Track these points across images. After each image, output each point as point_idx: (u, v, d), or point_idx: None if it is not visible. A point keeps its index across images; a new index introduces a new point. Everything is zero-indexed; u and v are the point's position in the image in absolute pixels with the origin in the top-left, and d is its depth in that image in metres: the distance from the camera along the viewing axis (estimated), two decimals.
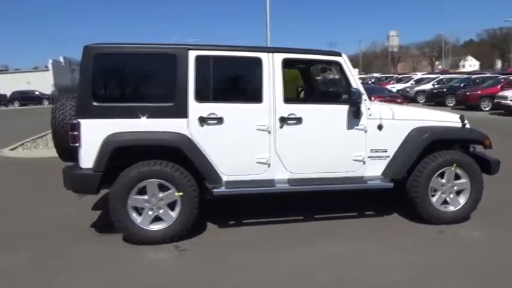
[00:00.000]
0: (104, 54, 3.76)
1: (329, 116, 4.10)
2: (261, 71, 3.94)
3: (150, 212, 3.82)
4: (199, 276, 3.27)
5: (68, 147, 3.99)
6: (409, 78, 29.17)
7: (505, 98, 16.28)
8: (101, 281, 3.22)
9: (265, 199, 4.60)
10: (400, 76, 34.64)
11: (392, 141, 4.24)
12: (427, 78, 26.58)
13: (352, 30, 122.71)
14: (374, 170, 4.26)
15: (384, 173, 4.27)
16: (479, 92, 18.47)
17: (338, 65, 4.13)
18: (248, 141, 3.95)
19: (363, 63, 74.34)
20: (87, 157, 3.73)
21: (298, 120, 3.99)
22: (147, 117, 3.76)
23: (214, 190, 3.87)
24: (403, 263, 3.46)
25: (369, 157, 4.21)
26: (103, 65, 3.74)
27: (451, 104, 20.01)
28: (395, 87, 25.29)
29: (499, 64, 61.26)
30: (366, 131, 4.15)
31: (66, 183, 3.86)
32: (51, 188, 6.14)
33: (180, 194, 3.78)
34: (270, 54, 3.96)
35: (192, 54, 3.82)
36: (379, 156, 4.25)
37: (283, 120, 3.97)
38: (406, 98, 21.82)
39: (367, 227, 4.29)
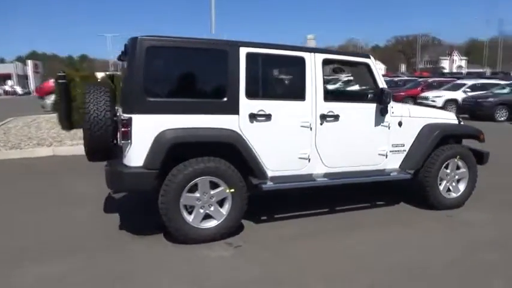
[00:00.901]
0: (157, 47, 3.61)
1: (361, 113, 4.41)
2: (304, 70, 4.10)
3: (201, 210, 3.77)
4: (271, 270, 3.33)
5: (102, 145, 3.78)
6: None
7: (426, 98, 18.39)
8: (185, 280, 3.15)
9: (280, 194, 4.73)
10: None
11: (408, 137, 4.70)
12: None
13: (272, 33, 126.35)
14: (393, 163, 4.68)
15: (401, 166, 4.71)
16: (402, 94, 20.46)
17: (367, 66, 4.46)
18: (292, 138, 4.09)
19: None
20: (138, 155, 3.58)
21: (336, 118, 4.23)
22: (200, 113, 3.71)
23: (263, 186, 3.94)
24: (443, 243, 3.90)
25: (390, 151, 4.62)
26: (155, 59, 3.60)
27: None
28: None
29: (403, 68, 68.14)
30: (389, 127, 4.55)
31: (114, 183, 3.64)
32: (40, 191, 5.65)
33: (232, 190, 3.79)
34: (312, 54, 4.15)
35: (243, 51, 3.84)
36: (398, 150, 4.67)
37: (323, 117, 4.18)
38: None
39: (390, 216, 4.68)
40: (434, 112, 5.22)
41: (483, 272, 3.33)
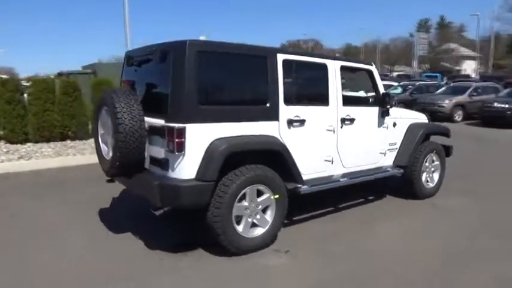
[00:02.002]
0: (206, 52, 3.44)
1: (369, 116, 4.78)
2: (327, 76, 4.31)
3: (249, 219, 3.71)
4: (339, 270, 3.46)
5: (137, 158, 3.49)
6: None
7: None
8: None
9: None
10: None
11: (399, 136, 5.24)
12: None
13: (162, 34, 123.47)
14: (389, 160, 5.16)
15: (394, 162, 5.22)
16: None
17: (370, 72, 4.85)
18: (320, 141, 4.26)
19: None
20: (191, 166, 3.38)
21: (352, 121, 4.53)
22: (246, 121, 3.65)
23: (302, 189, 4.04)
24: (447, 225, 4.50)
25: (387, 150, 5.09)
26: (204, 64, 3.41)
27: None
28: None
29: None
30: (387, 128, 5.02)
31: (168, 199, 3.34)
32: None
33: (276, 197, 3.80)
34: (333, 61, 4.37)
35: (280, 58, 3.88)
36: (392, 149, 5.17)
37: (343, 121, 4.44)
38: None
39: (389, 208, 5.15)
40: (413, 113, 5.87)
41: (483, 238, 3.96)
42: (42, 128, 8.53)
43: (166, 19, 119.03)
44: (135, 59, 4.08)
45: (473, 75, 34.74)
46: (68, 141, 8.93)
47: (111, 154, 3.71)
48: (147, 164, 3.74)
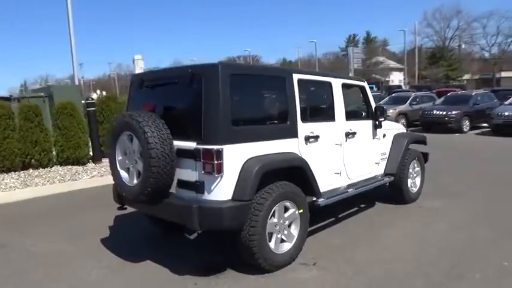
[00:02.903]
0: (236, 74, 3.52)
1: (366, 129, 5.10)
2: (332, 93, 4.56)
3: (279, 235, 3.79)
4: (372, 277, 3.64)
5: (167, 183, 3.46)
6: None
7: None
8: None
9: None
10: None
11: (387, 146, 5.63)
12: None
13: (100, 51, 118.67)
14: (380, 169, 5.52)
15: (385, 171, 5.59)
16: None
17: (363, 88, 5.19)
18: (331, 155, 4.47)
19: (117, 85, 73.18)
20: (228, 187, 3.41)
21: (353, 135, 4.81)
22: (271, 139, 3.75)
23: (320, 202, 4.20)
24: (442, 224, 4.89)
25: (380, 159, 5.45)
26: (236, 86, 3.48)
27: None
28: None
29: None
30: (379, 139, 5.38)
31: (207, 221, 3.32)
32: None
33: (301, 211, 3.93)
34: (335, 79, 4.63)
35: (295, 77, 4.06)
36: (383, 158, 5.54)
37: (347, 135, 4.70)
38: None
39: (385, 214, 5.48)
40: (394, 124, 6.32)
41: (476, 231, 4.41)
42: (2, 158, 7.86)
43: (97, 38, 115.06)
44: (151, 82, 4.02)
45: (404, 87, 37.57)
46: (31, 170, 8.33)
47: (136, 180, 3.61)
48: (173, 188, 3.68)
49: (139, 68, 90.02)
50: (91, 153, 9.22)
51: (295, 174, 3.93)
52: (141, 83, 4.11)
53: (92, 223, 5.46)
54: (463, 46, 48.11)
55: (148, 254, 4.22)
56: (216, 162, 3.28)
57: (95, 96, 26.03)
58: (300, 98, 4.07)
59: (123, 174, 3.79)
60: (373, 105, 5.27)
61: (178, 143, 3.54)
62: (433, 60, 51.07)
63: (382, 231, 4.79)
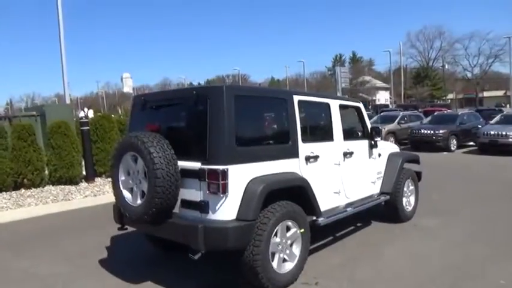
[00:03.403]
0: (242, 96, 3.62)
1: (362, 149, 5.22)
2: (330, 114, 4.68)
3: (281, 255, 3.82)
4: None
5: (171, 203, 3.49)
6: None
7: None
8: None
9: None
10: None
11: (383, 165, 5.74)
12: None
13: (87, 69, 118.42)
14: (376, 188, 5.61)
15: (380, 189, 5.68)
16: None
17: (359, 109, 5.33)
18: (330, 175, 4.56)
19: (105, 102, 72.96)
20: (232, 207, 3.46)
21: (351, 154, 4.91)
22: (274, 159, 3.83)
23: (320, 221, 4.25)
24: (439, 242, 4.98)
25: (376, 178, 5.55)
26: (240, 107, 3.57)
27: None
28: None
29: None
30: (375, 159, 5.49)
31: (212, 241, 3.34)
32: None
33: (302, 231, 3.97)
34: (333, 100, 4.76)
35: (296, 99, 4.17)
36: (379, 177, 5.65)
37: (345, 155, 4.80)
38: None
39: (382, 233, 5.55)
40: (388, 143, 6.47)
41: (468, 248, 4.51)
42: None
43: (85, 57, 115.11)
44: (154, 103, 4.08)
45: (390, 106, 38.31)
46: (23, 190, 8.22)
47: (140, 201, 3.63)
48: (176, 208, 3.70)
49: (128, 86, 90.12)
50: (84, 173, 9.14)
51: (297, 194, 3.99)
52: (143, 104, 4.17)
53: (89, 244, 5.40)
54: (446, 66, 49.60)
55: (149, 275, 4.20)
56: (221, 182, 3.33)
57: (82, 114, 25.83)
58: (300, 118, 4.17)
59: (126, 194, 3.80)
60: (369, 125, 5.41)
61: (182, 163, 3.58)
62: (418, 79, 52.42)
63: (380, 250, 4.85)
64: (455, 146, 15.81)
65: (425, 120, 18.43)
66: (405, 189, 6.00)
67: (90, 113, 25.48)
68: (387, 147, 6.02)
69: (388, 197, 5.65)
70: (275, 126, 4.15)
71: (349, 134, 5.01)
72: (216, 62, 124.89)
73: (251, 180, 3.56)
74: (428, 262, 4.42)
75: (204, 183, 3.46)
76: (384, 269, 4.25)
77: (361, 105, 5.40)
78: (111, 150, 9.09)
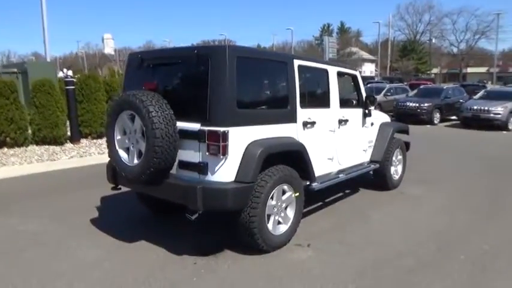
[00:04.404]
0: (244, 58, 3.54)
1: (356, 117, 5.24)
2: (328, 81, 4.64)
3: (276, 217, 3.88)
4: (361, 258, 3.80)
5: (169, 164, 3.46)
6: None
7: None
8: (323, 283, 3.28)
9: None
10: None
11: (374, 134, 5.80)
12: None
13: (66, 29, 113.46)
14: (367, 156, 5.70)
15: (371, 158, 5.77)
16: None
17: (355, 77, 5.31)
18: (325, 141, 4.58)
19: (86, 63, 70.56)
20: (231, 169, 3.45)
21: (345, 122, 4.93)
22: (272, 123, 3.81)
23: (315, 186, 4.31)
24: (425, 208, 5.15)
25: (368, 147, 5.62)
26: (242, 69, 3.49)
27: None
28: None
29: None
30: (368, 127, 5.54)
31: (211, 202, 3.35)
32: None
33: (296, 195, 4.02)
34: (332, 66, 4.71)
35: (296, 63, 4.11)
36: (370, 146, 5.72)
37: (340, 122, 4.82)
38: None
39: (370, 199, 5.68)
40: (380, 113, 6.51)
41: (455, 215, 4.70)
42: None
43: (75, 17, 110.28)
44: (152, 61, 3.95)
45: (376, 78, 38.41)
46: (5, 149, 8.01)
47: (137, 160, 3.58)
48: (173, 169, 3.68)
49: (109, 48, 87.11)
50: (69, 134, 8.95)
51: (293, 159, 4.01)
52: (140, 62, 4.03)
53: (78, 203, 5.37)
54: (433, 41, 49.71)
55: (142, 234, 4.22)
56: (221, 144, 3.31)
57: (61, 74, 25.07)
58: (299, 84, 4.13)
59: (123, 154, 3.74)
60: (364, 94, 5.41)
61: (180, 124, 3.52)
62: (404, 53, 52.43)
63: (368, 216, 4.98)
64: (438, 120, 16.09)
65: (411, 93, 18.60)
66: (394, 158, 6.12)
67: (70, 74, 24.70)
68: (379, 117, 6.07)
69: (377, 165, 5.75)
70: (275, 90, 4.10)
71: (344, 102, 5.01)
72: (201, 27, 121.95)
73: (250, 143, 3.54)
74: (415, 227, 4.57)
75: (203, 144, 3.42)
76: (373, 233, 4.38)
77: (357, 73, 5.38)
78: (97, 111, 8.92)
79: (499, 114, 14.16)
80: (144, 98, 3.42)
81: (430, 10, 53.18)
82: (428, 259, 3.76)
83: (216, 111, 3.38)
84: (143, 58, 4.03)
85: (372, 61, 58.19)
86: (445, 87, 17.91)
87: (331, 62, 4.96)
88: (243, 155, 3.49)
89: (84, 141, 9.16)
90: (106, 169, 4.24)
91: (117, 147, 3.76)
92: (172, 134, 3.41)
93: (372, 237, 4.26)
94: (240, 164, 3.48)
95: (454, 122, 16.14)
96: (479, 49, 52.86)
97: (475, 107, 14.65)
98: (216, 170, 3.42)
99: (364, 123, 5.44)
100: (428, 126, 15.37)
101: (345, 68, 5.26)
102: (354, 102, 5.40)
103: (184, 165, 3.61)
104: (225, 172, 3.43)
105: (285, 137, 3.93)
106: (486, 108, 14.36)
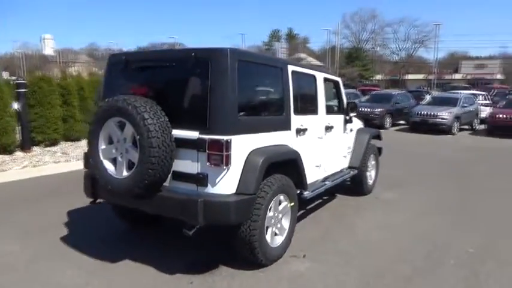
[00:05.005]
0: (244, 62, 3.35)
1: (339, 124, 5.23)
2: (316, 87, 4.59)
3: (273, 229, 3.73)
4: (360, 266, 3.77)
5: (165, 176, 3.21)
6: None
7: None
8: None
9: None
10: None
11: (352, 140, 5.85)
12: None
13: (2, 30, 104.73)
14: (346, 163, 5.73)
15: (349, 164, 5.81)
16: None
17: (337, 83, 5.31)
18: (314, 148, 4.51)
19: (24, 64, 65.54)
20: (233, 180, 3.26)
21: (331, 129, 4.91)
22: (269, 131, 3.67)
23: (306, 194, 4.22)
24: (398, 213, 5.28)
25: (347, 153, 5.65)
26: (243, 73, 3.31)
27: None
28: None
29: None
30: (347, 134, 5.57)
31: (211, 217, 3.12)
32: None
33: (291, 204, 3.91)
34: (319, 73, 4.66)
35: (290, 69, 4.00)
36: (349, 152, 5.76)
37: (326, 129, 4.78)
38: None
39: (349, 205, 5.71)
40: (356, 119, 6.57)
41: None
42: None
43: None
44: (138, 63, 3.65)
45: None
46: None
47: (127, 172, 3.27)
48: (166, 181, 3.40)
49: (50, 48, 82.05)
50: (19, 141, 8.18)
51: (289, 167, 3.89)
52: (124, 65, 3.71)
53: (43, 219, 4.86)
54: (377, 49, 52.26)
55: (125, 252, 3.88)
56: (225, 153, 3.10)
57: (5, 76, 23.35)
58: (293, 90, 4.03)
59: (108, 165, 3.40)
60: (345, 100, 5.43)
61: (175, 132, 3.27)
62: (349, 59, 54.46)
63: (353, 223, 4.99)
64: (389, 124, 16.80)
65: (363, 98, 19.28)
66: (368, 163, 6.21)
67: (5, 75, 22.78)
68: (355, 123, 6.13)
69: (356, 171, 5.80)
70: (271, 96, 3.96)
71: (329, 108, 4.98)
72: (149, 29, 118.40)
73: (251, 152, 3.37)
74: (399, 232, 4.64)
75: (202, 154, 3.20)
76: (362, 241, 4.37)
77: (339, 79, 5.39)
78: (50, 117, 8.25)
79: (445, 119, 15.07)
80: (138, 104, 3.13)
81: (373, 19, 55.91)
82: (422, 265, 3.81)
83: (218, 119, 3.17)
84: (128, 60, 3.71)
85: (320, 67, 59.89)
86: (394, 94, 18.77)
87: (318, 68, 4.92)
88: (244, 164, 3.31)
89: (36, 149, 8.42)
90: (84, 180, 3.85)
91: (101, 158, 3.41)
92: (169, 143, 3.16)
93: (363, 245, 4.25)
94: (241, 174, 3.29)
95: (403, 127, 16.94)
96: (418, 57, 56.51)
97: (424, 112, 15.46)
98: (217, 181, 3.20)
99: (345, 129, 5.46)
100: (381, 130, 15.91)
101: (330, 74, 5.24)
102: (336, 108, 5.41)
103: (180, 176, 3.35)
104: (227, 183, 3.23)
105: (281, 145, 3.80)
106: (433, 113, 15.21)
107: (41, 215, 5.00)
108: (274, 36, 75.95)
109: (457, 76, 55.05)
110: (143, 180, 3.14)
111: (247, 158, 3.33)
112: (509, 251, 4.19)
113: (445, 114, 15.10)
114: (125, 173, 3.29)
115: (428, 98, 18.26)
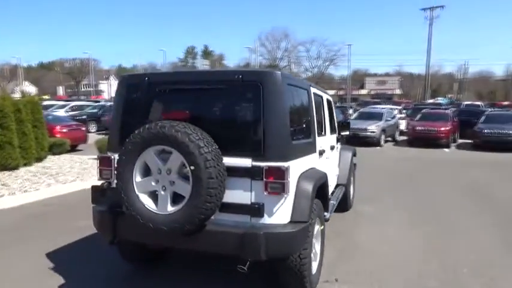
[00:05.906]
0: (290, 86, 3.24)
1: (335, 142, 5.30)
2: (323, 108, 4.61)
3: (312, 255, 3.61)
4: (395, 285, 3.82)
5: (215, 208, 2.95)
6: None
7: None
8: None
9: None
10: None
11: (337, 158, 5.98)
12: (55, 104, 24.66)
13: None
14: (335, 180, 5.82)
15: (338, 181, 5.92)
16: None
17: (330, 103, 5.40)
18: (326, 169, 4.49)
19: None
20: (287, 208, 3.08)
21: (332, 148, 4.96)
22: (306, 154, 3.58)
23: (327, 216, 4.16)
24: (386, 226, 5.52)
25: (338, 171, 5.75)
26: (289, 97, 3.18)
27: (94, 130, 20.83)
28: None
29: (61, 91, 66.61)
30: (337, 152, 5.69)
31: (274, 250, 2.90)
32: None
33: (322, 228, 3.85)
34: (324, 94, 4.69)
35: (311, 91, 3.96)
36: (338, 169, 5.87)
37: (331, 148, 4.82)
38: None
39: (339, 222, 5.75)
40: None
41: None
42: None
43: None
44: (170, 85, 3.29)
45: None
46: None
47: (173, 207, 2.90)
48: None
49: None
50: None
51: (319, 190, 3.81)
52: (147, 87, 3.32)
53: (25, 265, 4.09)
54: (293, 66, 54.87)
55: None
56: (285, 181, 2.93)
57: None
58: (316, 112, 4.00)
59: (146, 199, 2.99)
60: (336, 119, 5.54)
61: (225, 160, 3.00)
62: None
63: (352, 238, 5.13)
64: None
65: None
66: (351, 179, 6.40)
67: None
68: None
69: (344, 188, 5.92)
70: (304, 119, 3.86)
71: (330, 128, 5.04)
72: (60, 44, 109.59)
73: (299, 178, 3.24)
74: (402, 245, 4.83)
75: (257, 182, 2.98)
76: (376, 259, 4.42)
77: (331, 98, 5.49)
78: (5, 140, 7.12)
79: (374, 132, 16.24)
80: (189, 131, 2.82)
81: (286, 38, 58.73)
82: (444, 277, 3.97)
83: (274, 144, 3.00)
84: (152, 82, 3.32)
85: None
86: None
87: (322, 90, 4.96)
88: (296, 191, 3.16)
89: None
90: (97, 217, 3.35)
91: (136, 192, 2.99)
92: (223, 172, 2.89)
93: (380, 263, 4.31)
94: (294, 201, 3.13)
95: None
96: (328, 74, 60.75)
97: (355, 126, 16.46)
98: (274, 211, 3.01)
99: (337, 148, 5.56)
100: None
101: (328, 94, 5.33)
102: (332, 127, 5.49)
103: (229, 207, 3.07)
104: (283, 212, 3.05)
105: (314, 169, 3.73)
106: (363, 127, 16.30)
107: (23, 261, 4.21)
108: (190, 52, 75.78)
109: (363, 91, 60.24)
110: (199, 215, 2.82)
111: (297, 184, 3.19)
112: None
113: (373, 128, 16.27)
114: (171, 208, 2.92)
115: (355, 113, 19.54)
